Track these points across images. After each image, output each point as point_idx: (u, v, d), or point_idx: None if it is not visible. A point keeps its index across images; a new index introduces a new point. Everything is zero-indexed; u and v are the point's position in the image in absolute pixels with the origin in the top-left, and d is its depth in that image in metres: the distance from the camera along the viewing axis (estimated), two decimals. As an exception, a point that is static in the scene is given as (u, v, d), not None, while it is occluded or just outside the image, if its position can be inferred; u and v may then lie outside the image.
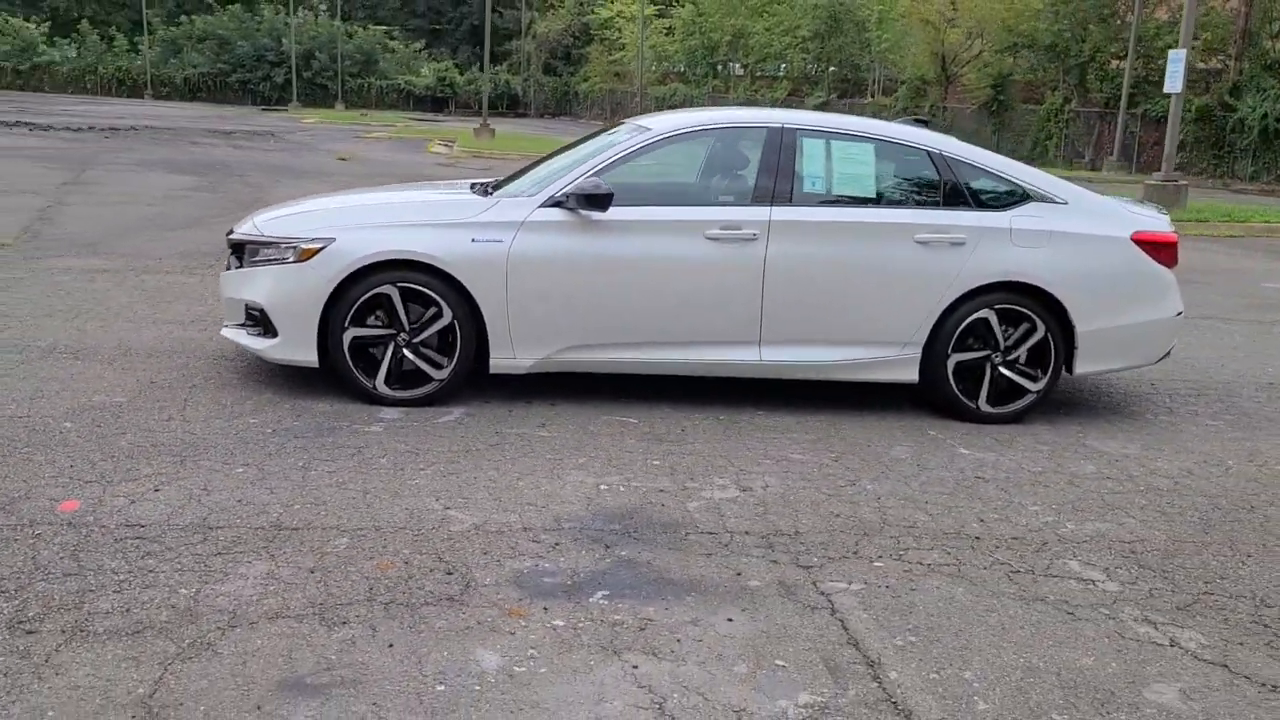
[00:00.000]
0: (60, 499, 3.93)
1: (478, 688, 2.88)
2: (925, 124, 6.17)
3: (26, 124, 27.65)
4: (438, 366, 5.35)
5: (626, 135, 5.71)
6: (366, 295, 5.22)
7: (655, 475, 4.60)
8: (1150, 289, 5.74)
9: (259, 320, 5.39)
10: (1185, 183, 19.64)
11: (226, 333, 5.59)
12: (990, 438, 5.40)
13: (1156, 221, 5.85)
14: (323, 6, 64.92)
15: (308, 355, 5.30)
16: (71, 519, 3.77)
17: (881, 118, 6.64)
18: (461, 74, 62.71)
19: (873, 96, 43.07)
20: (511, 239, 5.27)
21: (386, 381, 5.31)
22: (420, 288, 5.24)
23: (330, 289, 5.19)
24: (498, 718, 2.74)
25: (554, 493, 4.32)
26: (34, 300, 7.27)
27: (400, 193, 6.45)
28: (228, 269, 5.66)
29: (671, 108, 25.68)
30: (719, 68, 50.96)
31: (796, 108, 31.82)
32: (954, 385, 5.60)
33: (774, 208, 5.42)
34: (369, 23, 64.44)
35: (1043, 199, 5.69)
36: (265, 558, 3.57)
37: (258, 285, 5.36)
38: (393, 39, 63.82)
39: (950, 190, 5.64)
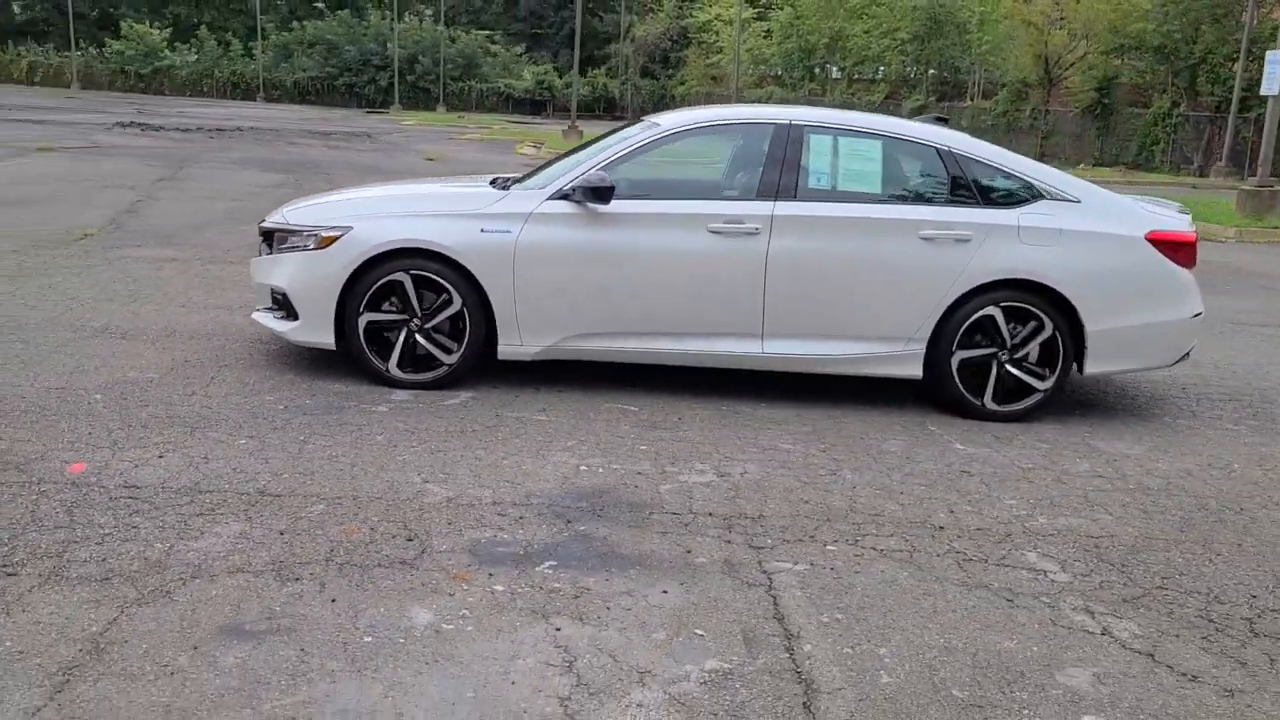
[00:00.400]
0: (71, 461, 4.26)
1: (402, 640, 3.06)
2: (944, 122, 6.18)
3: (140, 125, 29.01)
4: (448, 351, 5.58)
5: (638, 131, 5.86)
6: (381, 282, 5.47)
7: (639, 459, 4.73)
8: (1165, 289, 5.65)
9: (282, 304, 5.70)
10: (1281, 189, 18.84)
11: (256, 316, 5.91)
12: (990, 434, 5.40)
13: (1174, 221, 5.76)
14: (428, 12, 66.51)
15: (326, 338, 5.58)
16: (76, 479, 4.08)
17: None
18: (560, 77, 63.47)
19: (972, 100, 42.32)
20: (519, 230, 5.47)
21: (399, 365, 5.56)
22: (432, 275, 5.48)
23: (346, 275, 5.46)
24: (412, 667, 2.93)
25: (533, 471, 4.49)
26: (101, 285, 7.75)
27: (423, 186, 6.71)
28: (259, 255, 5.98)
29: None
30: (816, 70, 50.62)
31: (893, 112, 31.54)
32: (958, 382, 5.60)
33: (778, 202, 5.51)
34: (471, 28, 65.78)
35: (1054, 197, 5.66)
36: (242, 519, 3.82)
37: (282, 271, 5.66)
38: (494, 43, 65.02)
39: (958, 187, 5.65)
